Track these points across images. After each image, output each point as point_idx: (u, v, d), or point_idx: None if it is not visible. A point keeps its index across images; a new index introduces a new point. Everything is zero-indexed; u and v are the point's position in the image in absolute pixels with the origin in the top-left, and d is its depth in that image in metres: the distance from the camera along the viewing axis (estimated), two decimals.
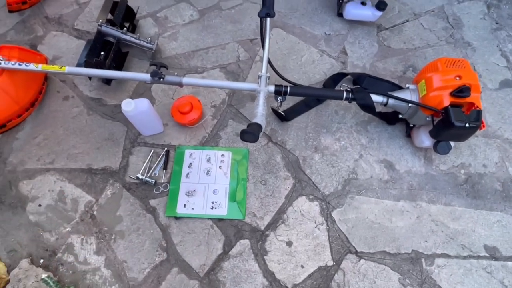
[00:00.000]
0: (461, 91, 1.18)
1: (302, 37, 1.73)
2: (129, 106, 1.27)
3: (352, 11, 1.68)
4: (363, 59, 1.66)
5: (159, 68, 1.32)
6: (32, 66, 1.36)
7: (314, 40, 1.72)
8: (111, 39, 1.58)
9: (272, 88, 1.31)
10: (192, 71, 1.64)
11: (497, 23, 1.76)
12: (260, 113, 1.20)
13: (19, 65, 1.36)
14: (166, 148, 1.44)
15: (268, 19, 1.35)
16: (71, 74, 1.40)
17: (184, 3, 1.87)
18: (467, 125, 1.16)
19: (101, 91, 1.60)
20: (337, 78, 1.58)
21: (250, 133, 0.99)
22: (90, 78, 1.57)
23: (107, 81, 1.56)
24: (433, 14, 1.80)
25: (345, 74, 1.58)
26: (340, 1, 1.72)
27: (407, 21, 1.78)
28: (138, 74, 1.35)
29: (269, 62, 1.39)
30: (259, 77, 1.31)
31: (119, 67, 1.61)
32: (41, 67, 1.36)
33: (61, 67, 1.36)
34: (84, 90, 1.60)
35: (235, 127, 1.49)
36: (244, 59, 1.67)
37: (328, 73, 1.62)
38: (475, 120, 1.16)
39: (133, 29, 1.74)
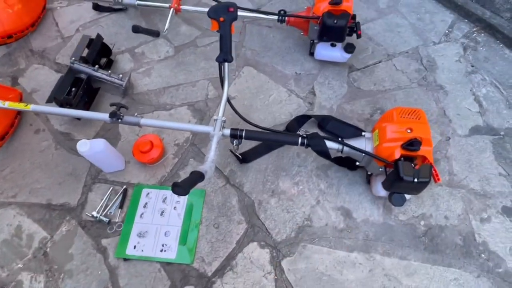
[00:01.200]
0: (411, 145, 1.15)
1: (272, 76, 1.74)
2: (84, 147, 1.29)
3: (322, 52, 1.69)
4: (331, 100, 1.65)
5: (118, 109, 1.35)
6: None
7: (284, 80, 1.73)
8: (83, 75, 1.63)
9: (227, 131, 1.31)
10: (161, 107, 1.67)
11: (472, 66, 1.73)
12: (210, 158, 1.21)
13: None
14: (124, 187, 1.45)
15: (226, 63, 1.37)
16: (36, 112, 1.44)
17: (162, 39, 1.92)
18: (415, 180, 1.12)
19: (71, 125, 1.64)
20: (301, 120, 1.58)
21: (180, 187, 0.99)
22: (57, 102, 1.61)
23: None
24: (407, 55, 1.79)
25: (309, 116, 1.58)
26: (311, 41, 1.73)
27: (380, 62, 1.77)
28: (98, 114, 1.38)
29: (229, 102, 1.40)
30: (215, 120, 1.32)
31: (89, 103, 1.66)
32: (7, 104, 1.41)
33: (26, 105, 1.41)
34: (55, 124, 1.65)
35: (195, 167, 1.49)
36: (212, 97, 1.69)
37: (294, 113, 1.62)
38: (425, 175, 1.13)
39: (109, 64, 1.80)
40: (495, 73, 1.70)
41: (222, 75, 1.39)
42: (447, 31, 1.86)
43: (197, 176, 1.09)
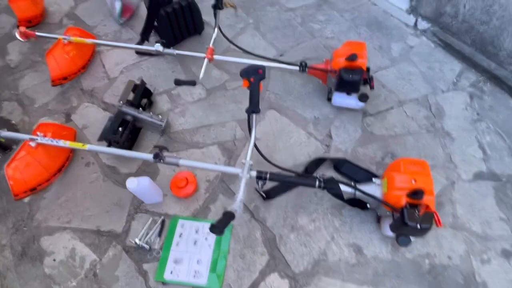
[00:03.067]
0: (416, 194, 1.32)
1: (293, 119, 1.95)
2: (132, 183, 1.52)
3: (339, 99, 1.88)
4: (346, 143, 1.84)
5: (160, 151, 1.58)
6: (61, 143, 1.67)
7: (304, 123, 1.93)
8: (128, 117, 1.88)
9: (254, 173, 1.51)
10: (194, 146, 1.90)
11: (478, 114, 1.89)
12: (239, 198, 1.41)
13: (52, 141, 1.67)
14: (162, 217, 1.67)
15: (254, 115, 1.58)
16: (91, 151, 1.69)
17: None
18: (418, 226, 1.29)
19: (116, 160, 1.88)
20: (319, 161, 1.77)
21: (217, 227, 1.19)
22: (109, 145, 1.86)
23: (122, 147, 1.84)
24: (417, 102, 1.96)
25: (326, 159, 1.76)
26: (329, 89, 1.93)
27: (391, 108, 1.95)
28: (144, 155, 1.61)
29: (256, 147, 1.61)
30: (243, 163, 1.52)
31: (133, 140, 1.90)
32: (68, 144, 1.67)
33: (83, 145, 1.65)
34: (103, 158, 1.90)
35: (224, 202, 1.70)
36: (240, 138, 1.90)
37: (313, 155, 1.81)
38: (427, 222, 1.29)
39: (150, 104, 2.05)
40: (499, 121, 1.85)
41: (250, 124, 1.60)
42: (455, 80, 2.03)
43: (229, 217, 1.29)
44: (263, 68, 1.48)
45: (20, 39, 2.23)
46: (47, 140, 1.67)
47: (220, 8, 1.99)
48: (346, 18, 2.41)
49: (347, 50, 1.79)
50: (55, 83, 2.11)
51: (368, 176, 1.69)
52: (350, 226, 1.60)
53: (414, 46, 2.21)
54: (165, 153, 1.57)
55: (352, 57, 1.72)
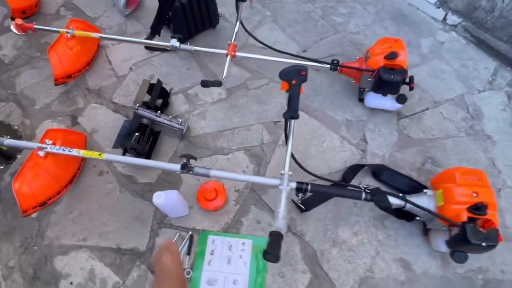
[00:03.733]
0: (478, 209, 1.22)
1: (324, 122, 1.81)
2: (159, 199, 1.36)
3: (373, 100, 1.76)
4: (383, 148, 1.72)
5: (188, 160, 1.43)
6: (74, 152, 1.48)
7: (336, 126, 1.80)
8: (145, 120, 1.71)
9: (293, 185, 1.38)
10: (218, 152, 1.74)
11: None
12: (281, 214, 1.27)
13: (63, 150, 1.49)
14: (190, 233, 1.52)
15: (292, 120, 1.44)
16: (109, 161, 1.52)
17: None
18: (483, 244, 1.18)
19: (133, 168, 1.71)
20: (356, 168, 1.64)
21: (272, 254, 1.06)
22: (123, 154, 1.68)
23: (140, 155, 1.67)
24: (453, 103, 1.86)
25: (363, 165, 1.64)
26: (362, 89, 1.80)
27: (427, 109, 1.84)
28: (169, 165, 1.45)
29: (293, 156, 1.47)
30: (282, 175, 1.38)
31: (152, 146, 1.73)
32: (82, 153, 1.48)
33: (100, 154, 1.48)
34: (117, 166, 1.72)
35: (257, 214, 1.56)
36: (267, 142, 1.76)
37: (348, 161, 1.68)
38: (493, 240, 1.19)
39: (166, 105, 1.87)
40: None
41: (287, 131, 1.46)
42: (490, 79, 1.93)
43: (279, 238, 1.16)
44: (305, 69, 1.33)
45: (16, 32, 2.00)
46: (58, 149, 1.49)
47: (245, 0, 1.82)
48: (369, 11, 2.27)
49: (385, 47, 1.65)
50: (58, 82, 1.90)
51: (410, 184, 1.59)
52: (395, 239, 1.49)
53: (445, 42, 2.09)
54: (193, 163, 1.41)
55: (392, 56, 1.59)
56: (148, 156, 1.70)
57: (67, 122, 1.88)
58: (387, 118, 1.81)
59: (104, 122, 1.87)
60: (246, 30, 1.88)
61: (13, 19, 2.21)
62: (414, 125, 1.79)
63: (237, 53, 1.81)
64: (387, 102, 1.73)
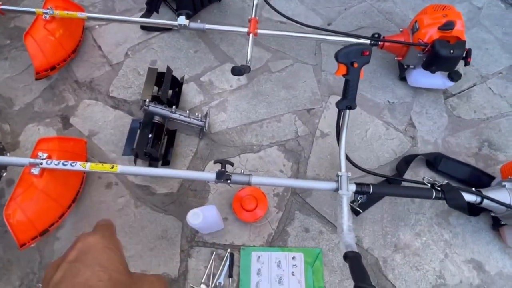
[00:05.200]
0: None
1: (364, 106, 1.58)
2: (197, 219, 1.11)
3: (420, 79, 1.53)
4: (434, 133, 1.52)
5: (224, 167, 1.17)
6: (78, 166, 1.19)
7: (377, 110, 1.57)
8: (158, 119, 1.41)
9: (352, 187, 1.16)
10: (247, 149, 1.48)
11: None
12: (346, 226, 1.07)
13: (64, 164, 1.19)
14: (229, 250, 1.28)
15: (347, 111, 1.20)
16: (125, 174, 1.23)
17: (229, 64, 1.70)
18: None
19: (147, 176, 1.43)
20: (409, 159, 1.44)
21: (369, 286, 0.84)
22: (135, 161, 1.40)
23: (154, 164, 1.40)
24: (501, 76, 1.66)
25: (417, 155, 1.44)
26: (405, 66, 1.57)
27: (474, 85, 1.64)
28: (203, 174, 1.19)
29: (347, 157, 1.24)
30: (339, 177, 1.16)
31: (168, 149, 1.44)
32: (89, 166, 1.19)
33: (113, 167, 1.19)
34: (128, 176, 1.43)
35: (303, 221, 1.34)
36: (303, 135, 1.51)
37: (398, 151, 1.48)
38: None
39: (177, 97, 1.57)
40: None
41: (341, 123, 1.22)
42: None
43: (358, 260, 0.95)
44: (370, 49, 1.08)
45: None
46: (57, 164, 1.18)
47: None
48: None
49: (437, 16, 1.41)
50: (40, 75, 1.55)
51: (473, 173, 1.40)
52: (462, 237, 1.32)
53: (482, 8, 1.87)
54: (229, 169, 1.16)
55: (448, 26, 1.36)
56: (165, 161, 1.42)
57: (57, 124, 1.55)
58: (433, 97, 1.60)
59: (103, 121, 1.55)
60: (267, 2, 1.57)
61: None
62: (464, 104, 1.59)
63: (260, 30, 1.51)
64: (437, 80, 1.52)
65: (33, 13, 1.55)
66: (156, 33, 1.79)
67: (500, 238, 1.31)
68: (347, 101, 1.16)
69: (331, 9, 1.87)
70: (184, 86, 1.63)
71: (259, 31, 1.51)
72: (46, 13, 1.53)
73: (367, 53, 1.08)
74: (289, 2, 1.89)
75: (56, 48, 1.58)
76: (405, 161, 1.43)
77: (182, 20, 1.50)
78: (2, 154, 1.42)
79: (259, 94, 1.61)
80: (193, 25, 1.52)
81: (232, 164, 1.19)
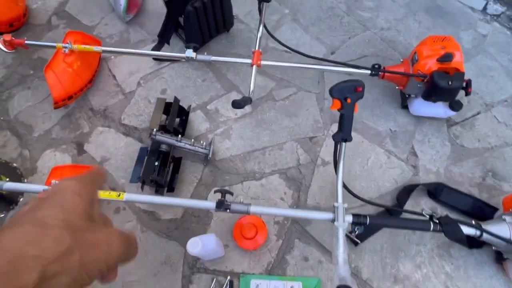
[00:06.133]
0: None
1: (365, 135, 1.60)
2: (195, 247, 1.15)
3: (422, 108, 1.55)
4: (436, 162, 1.52)
5: (224, 196, 1.21)
6: None
7: (379, 138, 1.59)
8: (164, 147, 1.48)
9: (349, 218, 1.18)
10: (250, 177, 1.53)
11: None
12: (341, 259, 1.08)
13: None
14: (229, 277, 1.32)
15: (344, 144, 1.23)
16: (130, 201, 1.30)
17: (234, 92, 1.77)
18: None
19: (151, 204, 1.49)
20: (411, 189, 1.45)
21: None
22: (142, 187, 1.46)
23: (160, 190, 1.46)
24: (507, 104, 1.66)
25: (418, 185, 1.44)
26: (406, 95, 1.59)
27: (478, 113, 1.64)
28: (203, 203, 1.24)
29: (344, 185, 1.27)
30: (335, 208, 1.18)
31: (174, 176, 1.51)
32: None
33: (119, 195, 1.25)
34: None
35: (303, 250, 1.36)
36: (304, 163, 1.55)
37: (399, 180, 1.48)
38: None
39: (184, 125, 1.64)
40: None
41: (337, 155, 1.25)
42: None
43: None
44: (362, 85, 1.12)
45: (5, 49, 1.74)
46: None
47: (268, 0, 1.58)
48: (399, 3, 2.04)
49: (436, 48, 1.44)
50: (58, 105, 1.66)
51: (475, 204, 1.39)
52: (464, 270, 1.30)
53: (487, 35, 1.88)
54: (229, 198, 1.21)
55: (447, 58, 1.38)
56: (170, 188, 1.48)
57: (72, 150, 1.65)
58: (436, 126, 1.61)
59: (115, 148, 1.64)
60: (271, 35, 1.64)
61: (0, 34, 1.97)
62: (467, 133, 1.59)
63: (263, 62, 1.58)
64: (438, 109, 1.53)
65: (54, 47, 1.67)
66: (167, 63, 1.89)
67: (503, 272, 1.28)
68: (342, 134, 1.20)
69: (335, 38, 1.93)
70: (191, 114, 1.71)
71: (262, 62, 1.58)
72: (65, 47, 1.66)
73: (360, 89, 1.12)
74: (295, 32, 1.96)
75: (74, 79, 1.69)
76: (406, 191, 1.44)
77: (190, 53, 1.58)
78: (20, 180, 1.51)
79: (262, 122, 1.67)
80: (200, 57, 1.60)
81: (231, 194, 1.23)
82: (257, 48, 1.59)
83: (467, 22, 1.93)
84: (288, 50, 1.75)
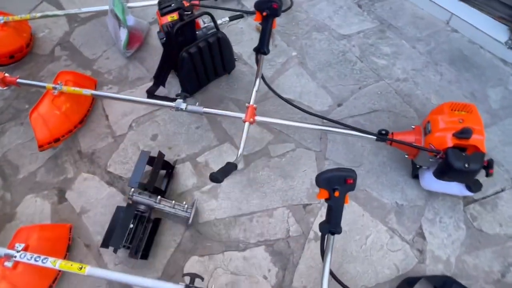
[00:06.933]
0: None
1: (367, 207, 1.42)
2: None
3: (434, 182, 1.35)
4: (447, 248, 1.32)
5: (192, 281, 1.08)
6: (49, 263, 1.16)
7: (383, 212, 1.41)
8: (143, 207, 1.37)
9: None
10: (233, 246, 1.38)
11: None
12: None
13: (36, 260, 1.17)
14: None
15: (332, 236, 1.06)
16: (92, 276, 1.19)
17: (228, 144, 1.64)
18: None
19: (127, 266, 1.38)
20: (413, 281, 1.25)
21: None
22: (115, 251, 1.35)
23: (135, 255, 1.34)
24: None
25: (422, 277, 1.24)
26: (418, 166, 1.40)
27: (502, 190, 1.42)
28: (170, 286, 1.10)
29: (333, 275, 1.10)
30: None
31: (151, 238, 1.39)
32: (59, 264, 1.16)
33: (81, 268, 1.14)
34: (109, 262, 1.39)
35: None
36: (294, 235, 1.39)
37: (401, 267, 1.29)
38: None
39: (169, 177, 1.53)
40: None
41: (325, 246, 1.08)
42: None
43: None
44: (354, 177, 0.95)
45: None
46: (30, 259, 1.17)
47: (266, 53, 1.44)
48: (420, 51, 1.84)
49: (453, 120, 1.25)
50: (43, 148, 1.60)
51: None
52: None
53: None
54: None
55: (464, 134, 1.19)
56: (146, 252, 1.36)
57: (53, 197, 1.57)
58: (450, 203, 1.41)
59: (96, 199, 1.55)
60: (270, 88, 1.50)
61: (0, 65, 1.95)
62: (488, 214, 1.37)
63: (258, 118, 1.44)
64: (453, 186, 1.33)
65: (44, 87, 1.62)
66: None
67: None
68: (329, 225, 1.03)
69: (344, 87, 1.76)
70: (179, 166, 1.59)
71: (257, 118, 1.44)
72: (55, 88, 1.59)
73: (351, 181, 0.95)
74: (300, 78, 1.81)
75: (61, 121, 1.63)
76: (407, 283, 1.24)
77: (180, 103, 1.47)
78: None
79: (254, 181, 1.52)
80: (191, 108, 1.49)
81: (202, 279, 1.10)
82: (251, 103, 1.45)
83: (497, 78, 1.71)
84: (291, 99, 1.61)
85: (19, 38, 1.97)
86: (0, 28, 1.89)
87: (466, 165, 1.16)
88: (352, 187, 0.96)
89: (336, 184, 0.96)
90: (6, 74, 1.67)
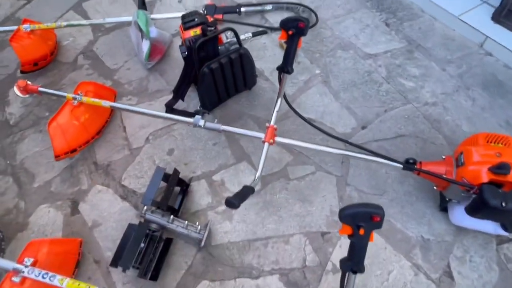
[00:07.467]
0: None
1: (390, 239, 1.33)
2: None
3: (465, 218, 1.25)
4: None
5: None
6: (56, 282, 1.13)
7: (407, 247, 1.32)
8: (154, 226, 1.33)
9: None
10: (245, 273, 1.32)
11: None
12: None
13: (43, 277, 1.14)
14: None
15: (354, 275, 0.99)
16: None
17: (245, 163, 1.59)
18: None
19: (135, 286, 1.33)
20: None
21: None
22: (124, 270, 1.31)
23: (144, 276, 1.29)
24: None
25: None
26: (448, 199, 1.30)
27: None
28: None
29: None
30: None
31: (161, 258, 1.34)
32: (66, 284, 1.13)
33: None
34: (117, 281, 1.35)
35: None
36: (311, 265, 1.31)
37: None
38: None
39: (183, 195, 1.48)
40: None
41: (345, 284, 1.00)
42: None
43: None
44: (381, 214, 0.88)
45: (20, 94, 1.71)
46: (38, 276, 1.14)
47: (290, 72, 1.39)
48: (450, 74, 1.76)
49: (489, 153, 1.16)
50: (59, 158, 1.58)
51: None
52: None
53: None
54: None
55: (502, 169, 1.09)
56: (156, 273, 1.31)
57: (66, 208, 1.55)
58: (482, 241, 1.30)
59: (109, 212, 1.52)
60: (292, 108, 1.44)
61: (24, 72, 1.97)
62: None
63: (277, 139, 1.38)
64: (487, 224, 1.23)
65: (64, 97, 1.61)
66: None
67: None
68: (351, 263, 0.96)
69: (369, 109, 1.68)
70: (195, 184, 1.55)
71: (277, 139, 1.38)
72: (75, 98, 1.59)
73: (378, 219, 0.88)
74: (323, 97, 1.75)
75: (79, 132, 1.61)
76: None
77: (198, 120, 1.44)
78: (0, 245, 1.43)
79: (270, 205, 1.46)
80: (209, 125, 1.45)
81: None
82: (272, 123, 1.40)
83: None
84: (312, 119, 1.55)
85: (44, 46, 1.99)
86: (26, 36, 1.92)
87: (503, 204, 1.06)
88: (378, 225, 0.89)
89: (361, 221, 0.89)
90: (29, 83, 1.68)
